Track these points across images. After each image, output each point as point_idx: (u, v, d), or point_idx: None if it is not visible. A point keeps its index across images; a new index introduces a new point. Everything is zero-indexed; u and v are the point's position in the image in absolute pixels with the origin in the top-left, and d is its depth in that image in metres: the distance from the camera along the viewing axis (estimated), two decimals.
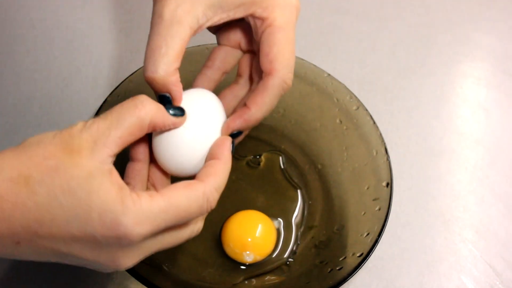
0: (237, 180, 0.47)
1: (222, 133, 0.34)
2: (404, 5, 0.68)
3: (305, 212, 0.46)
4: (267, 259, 0.43)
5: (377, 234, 0.40)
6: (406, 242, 0.46)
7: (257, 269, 0.43)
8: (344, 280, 0.37)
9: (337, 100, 0.48)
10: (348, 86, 0.48)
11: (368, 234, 0.40)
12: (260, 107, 0.34)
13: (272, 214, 0.45)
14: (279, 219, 0.46)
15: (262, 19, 0.33)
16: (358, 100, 0.47)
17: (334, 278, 0.38)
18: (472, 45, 0.65)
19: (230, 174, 0.32)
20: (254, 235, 0.43)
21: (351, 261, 0.39)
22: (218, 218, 0.45)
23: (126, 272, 0.36)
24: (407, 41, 0.64)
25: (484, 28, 0.67)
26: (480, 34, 0.66)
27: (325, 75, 0.48)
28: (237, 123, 0.34)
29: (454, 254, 0.46)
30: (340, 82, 0.48)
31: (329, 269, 0.40)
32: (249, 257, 0.42)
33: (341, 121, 0.48)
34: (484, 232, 0.48)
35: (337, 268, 0.39)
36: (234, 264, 0.43)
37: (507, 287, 0.44)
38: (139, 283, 0.36)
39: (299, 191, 0.48)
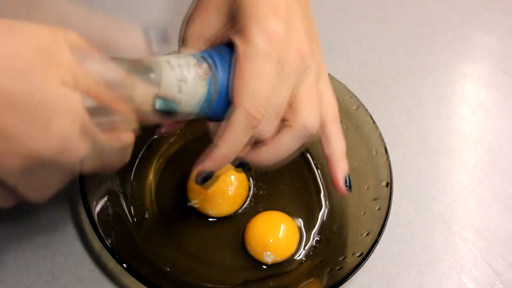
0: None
1: (192, 178, 0.33)
2: (404, 5, 0.68)
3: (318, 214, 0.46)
4: (287, 260, 0.43)
5: (377, 234, 0.40)
6: (406, 242, 0.46)
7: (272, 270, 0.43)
8: (344, 280, 0.37)
9: (337, 100, 0.48)
10: (348, 86, 0.48)
11: (368, 234, 0.40)
12: (224, 141, 0.32)
13: (294, 215, 0.45)
14: (300, 219, 0.46)
15: (237, 47, 0.31)
16: (358, 100, 0.47)
17: (334, 278, 0.38)
18: (472, 45, 0.65)
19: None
20: (276, 237, 0.43)
21: (351, 261, 0.39)
22: (238, 222, 0.45)
23: (126, 272, 0.36)
24: (407, 41, 0.64)
25: (484, 28, 0.67)
26: (480, 34, 0.66)
27: None
28: (206, 163, 0.33)
29: (454, 254, 0.46)
30: (340, 82, 0.48)
31: (329, 269, 0.40)
32: (269, 258, 0.42)
33: (341, 121, 0.47)
34: (484, 232, 0.48)
35: (337, 268, 0.39)
36: (234, 266, 0.43)
37: (507, 287, 0.44)
38: (139, 283, 0.36)
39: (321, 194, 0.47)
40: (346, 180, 0.37)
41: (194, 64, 0.31)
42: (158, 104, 0.28)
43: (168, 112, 0.29)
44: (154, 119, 0.29)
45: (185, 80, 0.30)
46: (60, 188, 0.28)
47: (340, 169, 0.37)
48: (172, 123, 0.35)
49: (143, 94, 0.28)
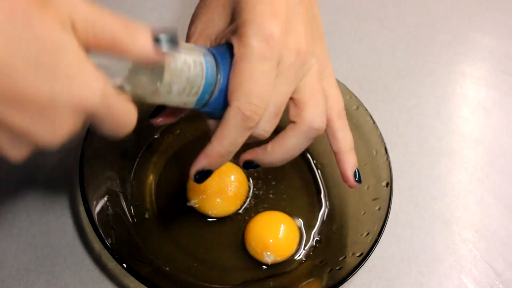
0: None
1: (190, 175, 0.33)
2: (404, 5, 0.68)
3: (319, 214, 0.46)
4: (287, 260, 0.43)
5: (377, 234, 0.40)
6: (406, 242, 0.46)
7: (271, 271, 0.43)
8: (344, 280, 0.37)
9: None
10: (348, 86, 0.48)
11: (368, 234, 0.40)
12: (220, 140, 0.32)
13: (294, 215, 0.45)
14: (300, 219, 0.46)
15: (235, 48, 0.31)
16: (358, 100, 0.47)
17: (334, 278, 0.38)
18: (472, 45, 0.65)
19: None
20: (276, 237, 0.43)
21: (351, 261, 0.39)
22: (238, 222, 0.45)
23: (126, 272, 0.36)
24: (407, 41, 0.64)
25: (484, 28, 0.67)
26: (480, 34, 0.66)
27: None
28: (201, 162, 0.33)
29: (454, 254, 0.46)
30: (340, 82, 0.48)
31: (329, 269, 0.40)
32: (269, 258, 0.42)
33: None
34: (484, 232, 0.48)
35: (337, 268, 0.39)
36: (234, 266, 0.43)
37: (507, 287, 0.44)
38: (139, 283, 0.36)
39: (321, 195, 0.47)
40: (355, 174, 0.38)
41: (203, 53, 0.31)
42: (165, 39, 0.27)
43: (171, 42, 0.28)
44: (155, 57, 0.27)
45: (191, 64, 0.30)
46: (71, 133, 0.26)
47: (349, 163, 0.37)
48: (169, 113, 0.35)
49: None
